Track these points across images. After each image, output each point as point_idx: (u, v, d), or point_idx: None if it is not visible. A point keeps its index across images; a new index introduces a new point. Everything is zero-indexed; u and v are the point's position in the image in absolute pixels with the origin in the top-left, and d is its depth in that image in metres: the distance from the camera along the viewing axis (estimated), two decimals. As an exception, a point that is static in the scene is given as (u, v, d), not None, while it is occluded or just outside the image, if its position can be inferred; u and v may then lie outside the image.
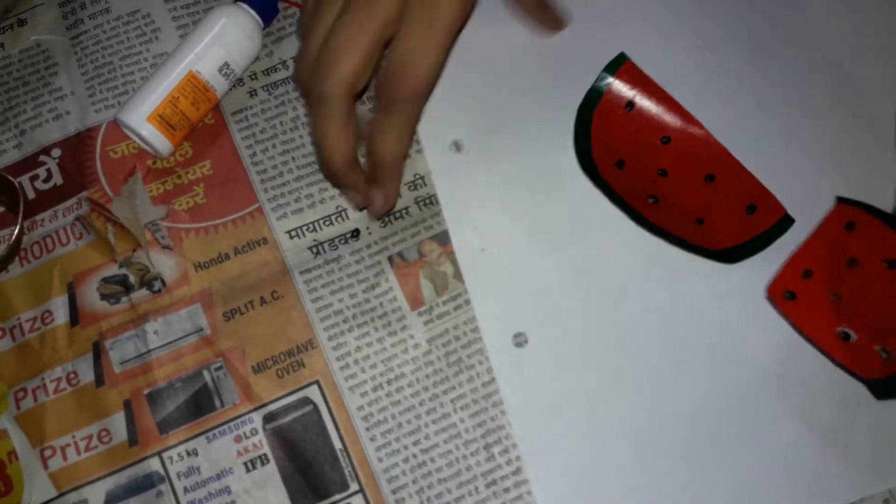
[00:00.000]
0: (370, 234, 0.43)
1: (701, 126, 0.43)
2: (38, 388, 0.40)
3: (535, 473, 0.40)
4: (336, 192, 0.43)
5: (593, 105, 0.43)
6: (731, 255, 0.42)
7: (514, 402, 0.41)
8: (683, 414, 0.41)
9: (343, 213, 0.43)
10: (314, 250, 0.43)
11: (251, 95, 0.45)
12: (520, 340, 0.42)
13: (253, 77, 0.45)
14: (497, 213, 0.43)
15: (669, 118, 0.43)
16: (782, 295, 0.40)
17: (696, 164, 0.43)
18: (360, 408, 0.40)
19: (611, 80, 0.43)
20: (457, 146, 0.44)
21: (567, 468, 0.40)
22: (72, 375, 0.41)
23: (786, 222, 0.42)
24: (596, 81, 0.43)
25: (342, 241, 0.43)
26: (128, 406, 0.40)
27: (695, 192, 0.43)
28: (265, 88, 0.45)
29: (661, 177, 0.43)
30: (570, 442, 0.41)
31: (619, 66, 0.43)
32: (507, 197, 0.44)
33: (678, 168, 0.43)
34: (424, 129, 0.44)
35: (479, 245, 0.43)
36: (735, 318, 0.42)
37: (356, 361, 0.41)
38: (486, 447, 0.40)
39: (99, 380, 0.41)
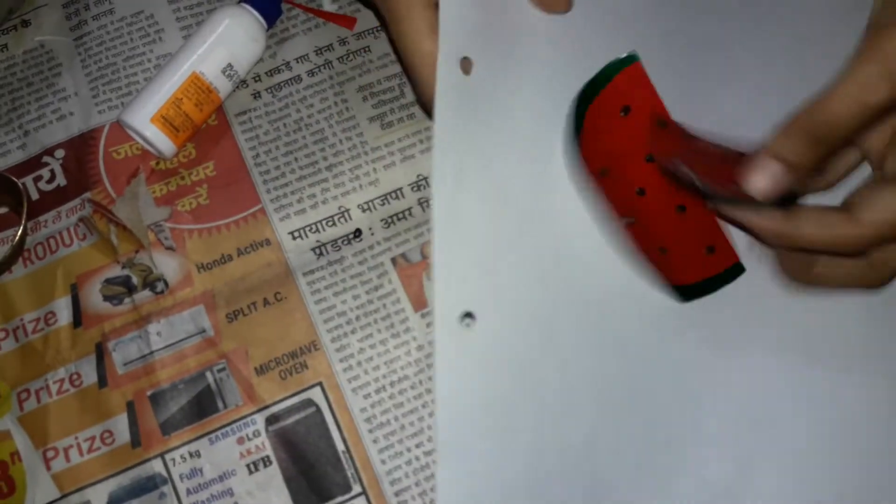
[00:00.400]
0: (372, 234, 0.43)
1: None
2: (42, 389, 0.41)
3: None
4: (339, 191, 0.43)
5: (590, 99, 0.41)
6: (685, 292, 0.40)
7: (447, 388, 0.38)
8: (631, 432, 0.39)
9: (346, 214, 0.43)
10: (317, 251, 0.42)
11: (255, 97, 0.44)
12: (468, 321, 0.38)
13: (257, 79, 0.45)
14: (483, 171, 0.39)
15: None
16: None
17: (672, 191, 0.41)
18: (363, 409, 0.40)
19: (612, 78, 0.41)
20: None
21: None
22: (75, 377, 0.41)
23: (737, 270, 0.41)
24: (596, 75, 0.40)
25: (345, 242, 0.43)
26: (131, 407, 0.40)
27: (665, 220, 0.40)
28: (269, 90, 0.45)
29: (639, 196, 0.42)
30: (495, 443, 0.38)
31: (626, 65, 0.41)
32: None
33: (656, 191, 0.41)
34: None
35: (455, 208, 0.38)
36: None
37: (359, 363, 0.41)
38: (490, 449, 0.40)
39: (102, 381, 0.41)
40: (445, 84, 0.37)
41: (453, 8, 0.37)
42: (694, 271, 0.40)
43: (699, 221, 0.40)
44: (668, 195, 0.40)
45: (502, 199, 0.39)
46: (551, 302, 0.39)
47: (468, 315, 0.38)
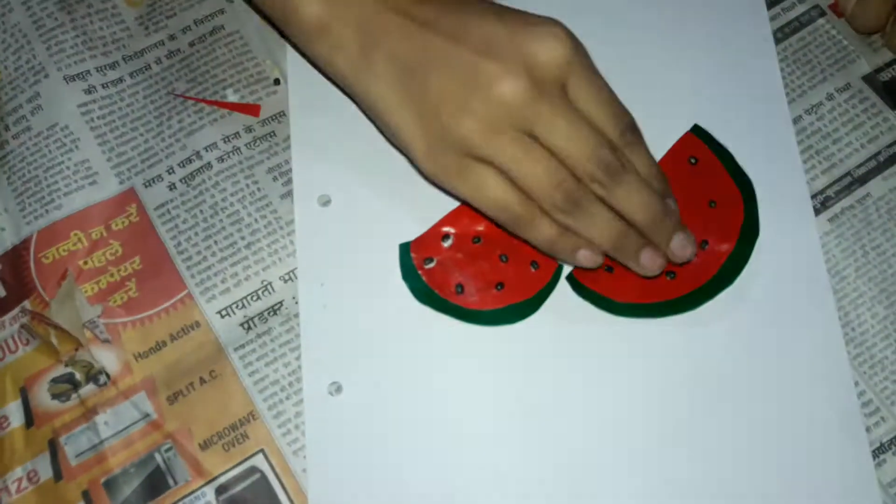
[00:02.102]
0: (296, 303, 0.45)
1: None
2: (2, 490, 0.43)
3: None
4: (259, 267, 0.46)
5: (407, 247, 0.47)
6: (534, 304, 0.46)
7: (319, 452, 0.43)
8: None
9: (269, 287, 0.46)
10: (245, 326, 0.45)
11: (170, 189, 0.47)
12: (333, 389, 0.44)
13: (170, 171, 0.48)
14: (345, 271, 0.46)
15: None
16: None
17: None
18: (305, 469, 0.43)
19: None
20: (325, 200, 0.47)
21: None
22: (32, 474, 0.43)
23: (559, 274, 0.47)
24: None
25: (271, 314, 0.45)
26: (87, 496, 0.43)
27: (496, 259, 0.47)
28: (182, 181, 0.48)
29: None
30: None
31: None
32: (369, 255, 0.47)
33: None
34: (296, 180, 0.48)
35: (322, 301, 0.46)
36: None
37: (296, 427, 0.44)
38: (425, 491, 0.42)
39: (57, 475, 0.43)
40: (305, 215, 0.47)
41: (309, 154, 0.48)
42: (531, 286, 0.46)
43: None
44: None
45: (361, 293, 0.46)
46: (408, 374, 0.45)
47: (335, 384, 0.44)
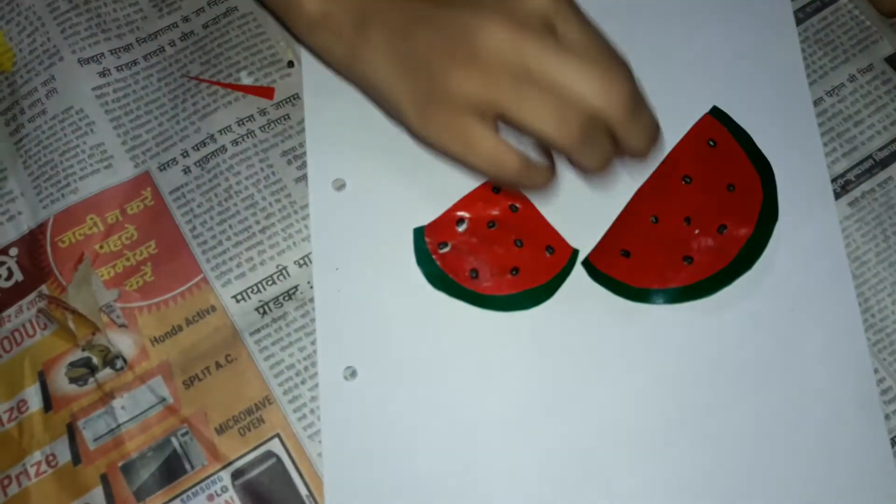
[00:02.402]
0: (311, 287, 0.45)
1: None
2: (21, 473, 0.43)
3: None
4: (274, 251, 0.46)
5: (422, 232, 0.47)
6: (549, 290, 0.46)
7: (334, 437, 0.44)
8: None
9: (284, 271, 0.46)
10: (261, 311, 0.45)
11: (185, 172, 0.47)
12: (348, 374, 0.44)
13: (185, 154, 0.48)
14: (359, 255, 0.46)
15: None
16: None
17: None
18: (321, 454, 0.43)
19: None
20: (339, 184, 0.47)
21: None
22: (50, 458, 0.44)
23: (575, 257, 0.46)
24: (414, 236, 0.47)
25: (286, 298, 0.45)
26: (105, 480, 0.43)
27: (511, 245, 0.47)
28: (197, 164, 0.47)
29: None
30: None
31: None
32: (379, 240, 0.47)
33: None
34: (311, 164, 0.48)
35: (336, 286, 0.46)
36: None
37: (312, 411, 0.44)
38: (440, 476, 0.43)
39: (76, 458, 0.44)
40: (319, 199, 0.47)
41: (323, 137, 0.48)
42: (546, 271, 0.46)
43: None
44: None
45: (376, 277, 0.46)
46: (422, 359, 0.45)
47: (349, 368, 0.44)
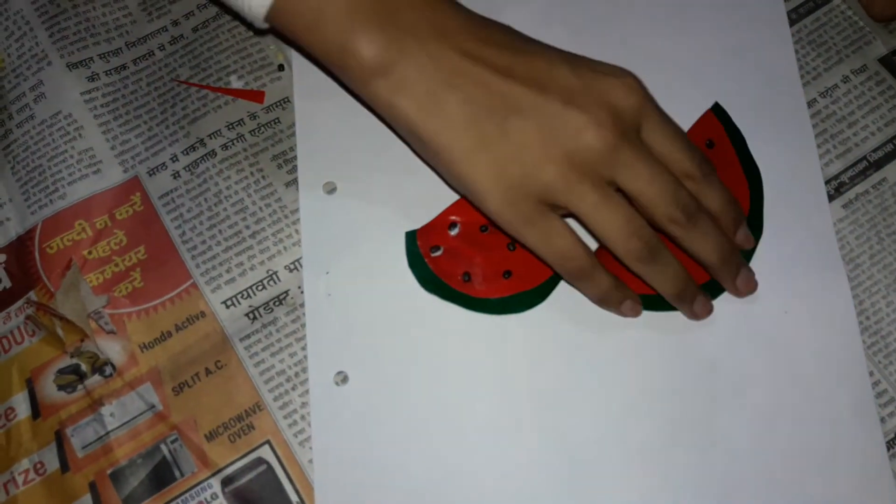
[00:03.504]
0: (301, 292, 0.45)
1: None
2: (9, 481, 0.43)
3: None
4: (265, 256, 0.46)
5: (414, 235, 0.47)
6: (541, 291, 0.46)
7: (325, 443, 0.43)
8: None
9: (274, 276, 0.45)
10: (251, 316, 0.45)
11: (175, 177, 0.47)
12: (339, 379, 0.44)
13: (174, 159, 0.47)
14: (350, 259, 0.46)
15: None
16: None
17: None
18: (311, 460, 0.43)
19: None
20: (331, 188, 0.47)
21: None
22: (38, 465, 0.43)
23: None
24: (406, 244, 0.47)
25: (276, 303, 0.45)
26: (93, 488, 0.43)
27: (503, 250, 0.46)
28: (186, 169, 0.47)
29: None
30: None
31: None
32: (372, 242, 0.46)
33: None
34: (301, 167, 0.47)
35: (326, 290, 0.45)
36: None
37: (302, 417, 0.43)
38: (432, 482, 0.42)
39: (64, 466, 0.43)
40: (310, 203, 0.47)
41: (314, 141, 0.48)
42: (539, 275, 0.45)
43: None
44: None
45: (367, 281, 0.46)
46: (414, 363, 0.45)
47: (340, 373, 0.44)
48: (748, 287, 0.44)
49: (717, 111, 0.48)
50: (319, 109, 0.48)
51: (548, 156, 0.40)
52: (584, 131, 0.40)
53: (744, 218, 0.45)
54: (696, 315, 0.44)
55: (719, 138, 0.47)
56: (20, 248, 0.46)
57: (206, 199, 0.47)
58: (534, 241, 0.42)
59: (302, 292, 0.45)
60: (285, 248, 0.46)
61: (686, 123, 0.47)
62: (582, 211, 0.41)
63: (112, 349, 0.44)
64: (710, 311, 0.44)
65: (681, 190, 0.41)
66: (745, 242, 0.45)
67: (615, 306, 0.44)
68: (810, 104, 0.48)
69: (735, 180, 0.46)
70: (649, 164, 0.41)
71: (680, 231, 0.42)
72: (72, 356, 0.44)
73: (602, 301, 0.44)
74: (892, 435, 0.43)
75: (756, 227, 0.45)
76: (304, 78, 0.49)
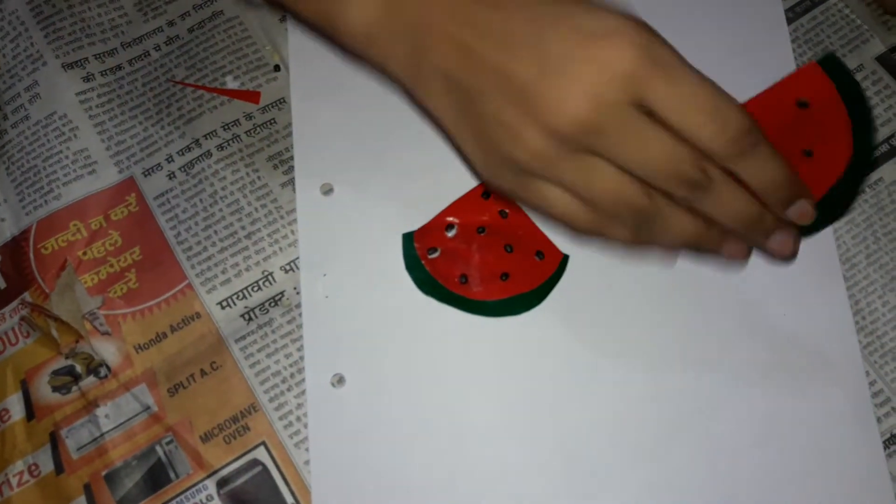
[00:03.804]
0: (297, 293, 0.45)
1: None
2: (3, 483, 0.43)
3: None
4: (260, 257, 0.45)
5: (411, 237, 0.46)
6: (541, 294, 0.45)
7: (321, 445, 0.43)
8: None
9: (270, 277, 0.45)
10: (246, 317, 0.45)
11: (170, 178, 0.47)
12: (336, 381, 0.44)
13: (170, 160, 0.47)
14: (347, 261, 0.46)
15: None
16: None
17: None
18: (307, 462, 0.42)
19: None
20: (327, 189, 0.47)
21: None
22: (33, 467, 0.43)
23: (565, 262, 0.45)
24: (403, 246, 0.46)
25: (272, 304, 0.45)
26: (88, 489, 0.43)
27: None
28: (182, 169, 0.47)
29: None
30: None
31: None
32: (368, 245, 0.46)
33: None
34: (298, 169, 0.47)
35: (323, 292, 0.45)
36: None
37: (298, 419, 0.43)
38: (428, 483, 0.42)
39: (59, 468, 0.43)
40: (307, 204, 0.47)
41: (311, 141, 0.47)
42: (536, 277, 0.45)
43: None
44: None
45: (364, 283, 0.45)
46: (411, 366, 0.44)
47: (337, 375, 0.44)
48: (783, 249, 0.41)
49: (828, 64, 0.42)
50: (316, 111, 0.48)
51: (518, 138, 0.37)
52: (553, 110, 0.35)
53: (798, 195, 0.39)
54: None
55: (818, 97, 0.42)
56: (15, 248, 0.46)
57: (201, 200, 0.47)
58: (531, 206, 0.40)
59: (297, 293, 0.45)
60: (281, 248, 0.46)
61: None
62: (564, 184, 0.38)
63: (107, 350, 0.44)
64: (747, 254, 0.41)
65: (682, 164, 0.36)
66: (801, 219, 0.40)
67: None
68: (807, 104, 0.48)
69: (833, 149, 0.42)
70: (639, 140, 0.36)
71: (687, 201, 0.38)
72: (66, 357, 0.44)
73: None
74: (889, 435, 0.43)
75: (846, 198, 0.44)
76: (301, 79, 0.49)
